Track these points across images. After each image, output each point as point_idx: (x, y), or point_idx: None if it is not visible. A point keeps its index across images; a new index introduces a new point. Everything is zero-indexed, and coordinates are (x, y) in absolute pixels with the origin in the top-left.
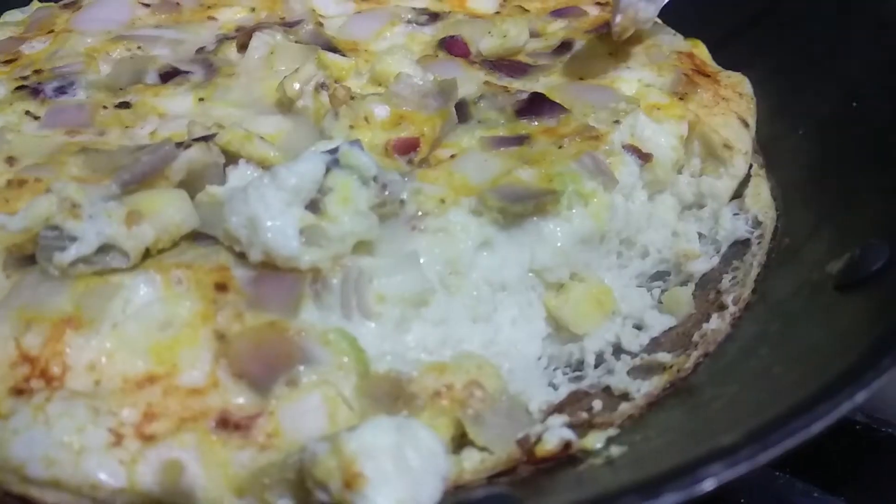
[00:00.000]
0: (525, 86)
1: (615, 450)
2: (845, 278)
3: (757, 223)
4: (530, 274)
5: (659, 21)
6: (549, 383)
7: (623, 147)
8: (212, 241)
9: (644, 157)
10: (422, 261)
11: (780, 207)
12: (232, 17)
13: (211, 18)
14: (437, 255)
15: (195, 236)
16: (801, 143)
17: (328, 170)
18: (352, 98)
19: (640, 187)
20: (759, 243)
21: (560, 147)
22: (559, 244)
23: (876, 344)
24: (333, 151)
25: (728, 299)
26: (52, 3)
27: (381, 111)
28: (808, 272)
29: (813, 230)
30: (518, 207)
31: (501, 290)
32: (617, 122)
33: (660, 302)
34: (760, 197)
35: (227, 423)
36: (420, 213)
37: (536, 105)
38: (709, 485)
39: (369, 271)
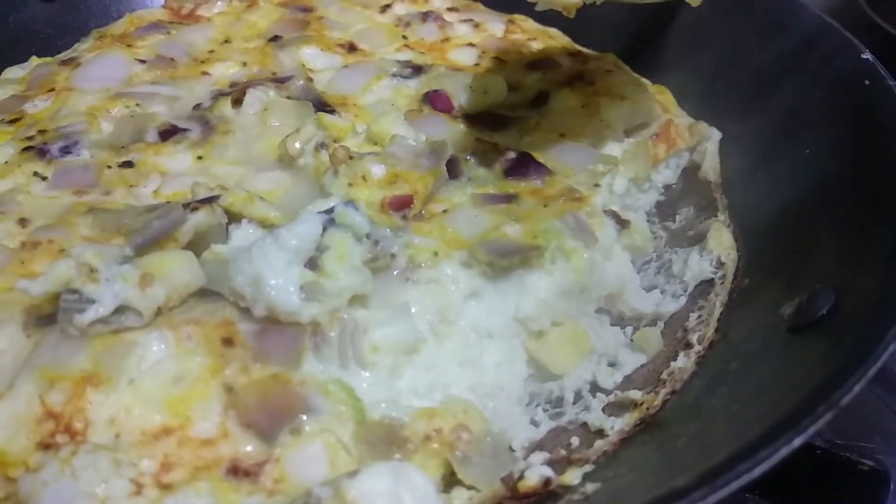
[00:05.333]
0: (506, 140)
1: (590, 486)
2: (796, 321)
3: (720, 264)
4: (514, 322)
5: (627, 69)
6: (530, 420)
7: (604, 211)
8: (218, 297)
9: (622, 223)
10: (413, 311)
11: (740, 249)
12: (225, 72)
13: (205, 73)
14: (428, 304)
15: (202, 293)
16: (760, 186)
17: (325, 228)
18: (350, 158)
19: (621, 250)
20: (721, 283)
21: (545, 206)
22: (542, 295)
23: (815, 391)
24: (329, 211)
25: (694, 338)
26: (51, 59)
27: (377, 170)
28: (764, 313)
29: (769, 272)
30: (505, 261)
31: (487, 337)
32: (597, 185)
33: (631, 340)
34: (722, 239)
35: (238, 471)
36: (413, 265)
37: (523, 165)
38: None
39: (364, 323)
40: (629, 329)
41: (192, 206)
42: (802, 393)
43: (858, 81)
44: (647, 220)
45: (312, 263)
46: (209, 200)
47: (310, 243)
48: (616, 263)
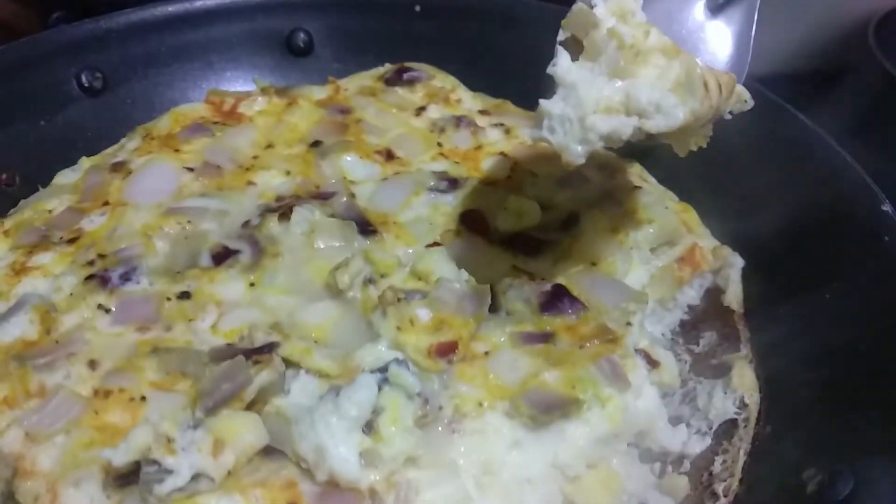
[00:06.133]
0: (540, 268)
1: None
2: (819, 499)
3: (743, 404)
4: (553, 468)
5: (653, 182)
6: None
7: (635, 350)
8: (280, 455)
9: (652, 364)
10: (460, 465)
11: (762, 391)
12: (269, 181)
13: (250, 183)
14: (473, 458)
15: (265, 450)
16: (782, 327)
17: (379, 388)
18: (398, 300)
19: (650, 386)
20: (745, 427)
21: (581, 347)
22: (579, 443)
23: None
24: (383, 370)
25: (719, 488)
26: (100, 160)
27: (423, 315)
28: (787, 475)
29: (791, 425)
30: (547, 416)
31: (527, 484)
32: (629, 323)
33: (659, 481)
34: (745, 378)
35: None
36: (458, 416)
37: (558, 299)
38: None
39: (416, 484)
40: (657, 467)
41: (254, 359)
42: None
43: (878, 236)
44: (672, 340)
45: (368, 426)
46: (268, 349)
47: (367, 408)
48: (645, 400)
